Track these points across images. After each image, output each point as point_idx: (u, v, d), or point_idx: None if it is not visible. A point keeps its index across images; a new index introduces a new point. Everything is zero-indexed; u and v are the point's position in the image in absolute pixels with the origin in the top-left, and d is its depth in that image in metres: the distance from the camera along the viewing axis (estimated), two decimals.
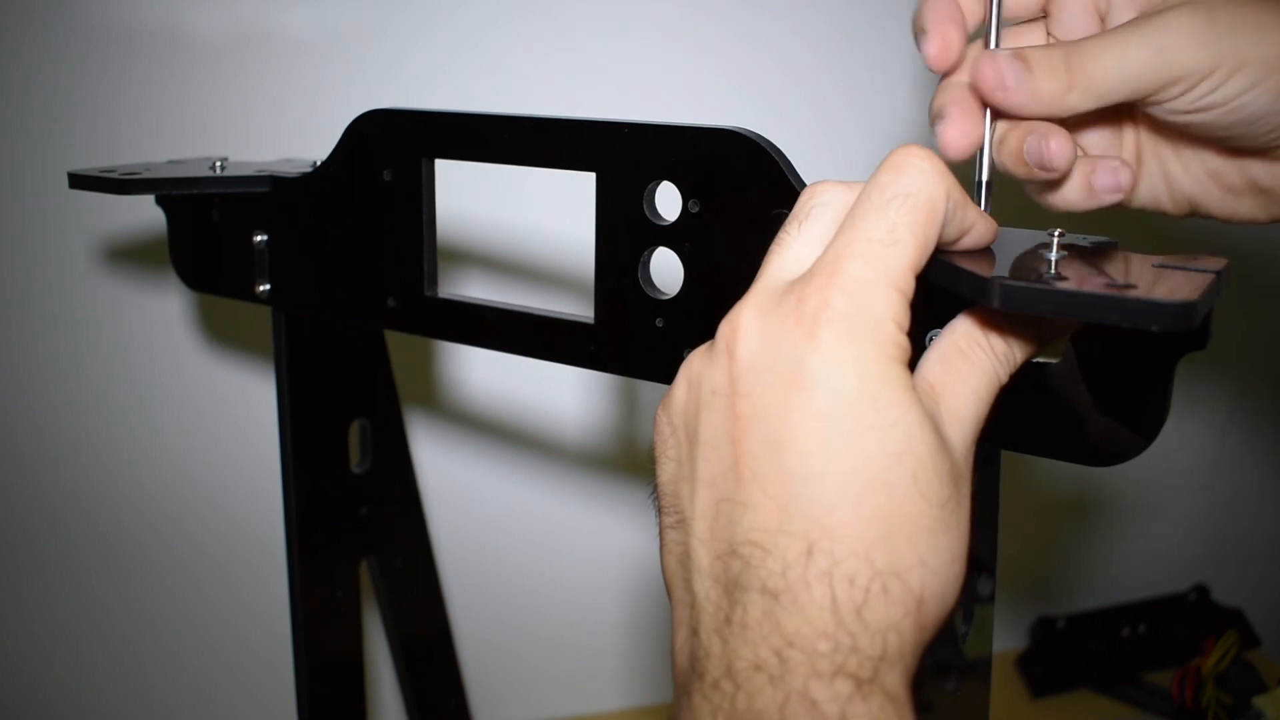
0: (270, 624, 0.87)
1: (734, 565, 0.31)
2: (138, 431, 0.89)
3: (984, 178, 0.40)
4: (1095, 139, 0.43)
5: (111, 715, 0.94)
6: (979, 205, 0.39)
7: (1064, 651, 1.02)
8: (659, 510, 0.35)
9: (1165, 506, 1.11)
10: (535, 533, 0.98)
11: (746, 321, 0.32)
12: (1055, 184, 0.41)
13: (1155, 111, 0.39)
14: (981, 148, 0.40)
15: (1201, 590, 1.08)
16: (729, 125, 0.42)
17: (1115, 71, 0.37)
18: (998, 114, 0.40)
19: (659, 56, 0.87)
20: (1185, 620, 1.06)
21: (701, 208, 0.43)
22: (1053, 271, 0.33)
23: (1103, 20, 0.41)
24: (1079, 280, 0.32)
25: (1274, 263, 1.03)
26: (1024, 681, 1.02)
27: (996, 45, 0.39)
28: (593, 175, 0.46)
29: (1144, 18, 0.38)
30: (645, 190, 0.44)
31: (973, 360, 0.34)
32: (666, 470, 0.35)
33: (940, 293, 0.34)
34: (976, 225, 0.34)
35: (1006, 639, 1.06)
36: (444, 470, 0.92)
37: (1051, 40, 0.43)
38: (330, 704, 0.64)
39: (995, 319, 0.34)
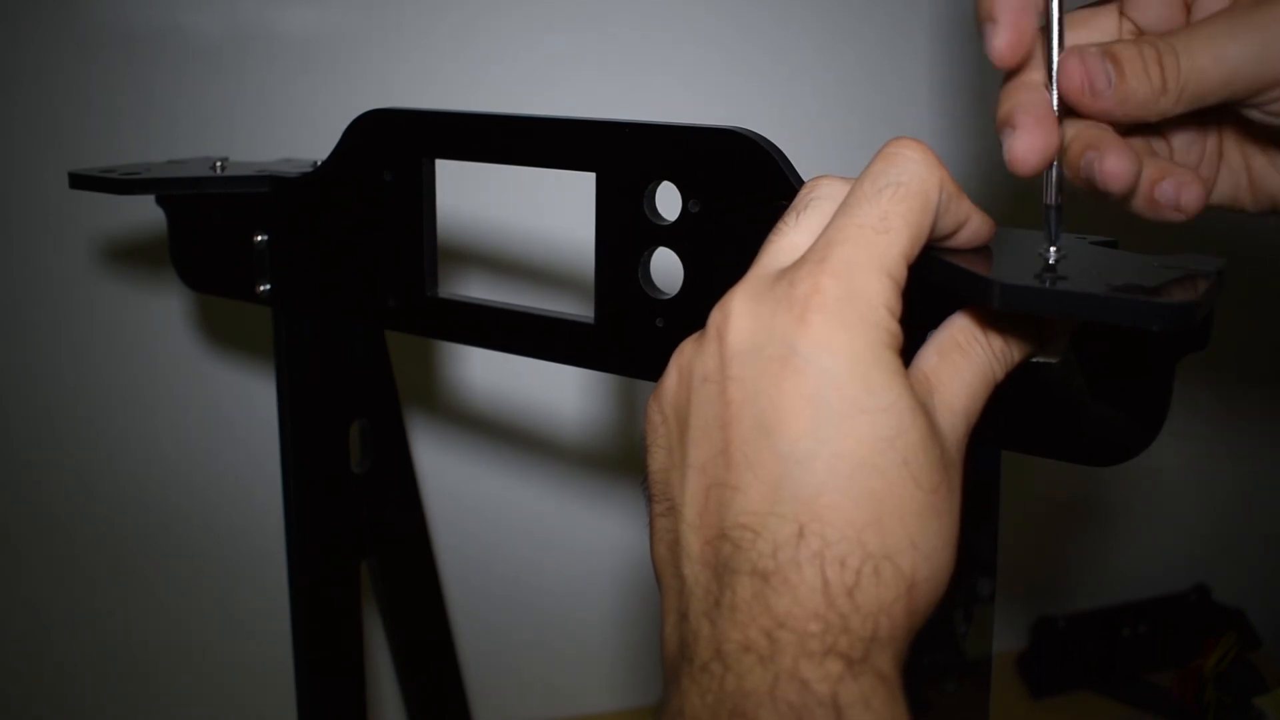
0: (270, 624, 0.87)
1: (724, 548, 0.31)
2: (138, 431, 0.89)
3: (1053, 201, 0.36)
4: (1179, 134, 0.40)
5: (112, 715, 0.94)
6: (1048, 231, 0.36)
7: (1064, 651, 1.02)
8: (649, 499, 0.35)
9: (1165, 506, 1.11)
10: (535, 533, 0.98)
11: (737, 307, 0.32)
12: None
13: (1250, 114, 0.36)
14: (1052, 165, 0.36)
15: (1201, 590, 1.07)
16: (729, 125, 0.42)
17: (1212, 72, 0.34)
18: (1073, 115, 0.35)
19: (661, 56, 0.87)
20: (1185, 620, 1.05)
21: (702, 208, 0.43)
22: (1053, 271, 0.33)
23: (1188, 8, 0.38)
24: (1079, 280, 0.32)
25: (1274, 262, 1.03)
26: (1024, 681, 1.02)
27: (1060, 42, 0.35)
28: (593, 175, 0.46)
29: (1241, 9, 0.35)
30: (645, 190, 0.44)
31: (969, 355, 0.34)
32: (657, 459, 0.35)
33: (939, 292, 0.34)
34: (972, 219, 0.34)
35: (1006, 639, 1.06)
36: (444, 470, 0.92)
37: (1127, 26, 0.39)
38: (330, 704, 0.64)
39: (994, 317, 0.34)
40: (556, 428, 0.94)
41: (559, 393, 0.92)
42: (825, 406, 0.30)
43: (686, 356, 0.34)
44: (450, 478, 0.93)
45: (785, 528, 0.30)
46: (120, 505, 0.90)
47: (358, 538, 0.65)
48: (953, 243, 0.35)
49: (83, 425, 0.88)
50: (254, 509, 0.91)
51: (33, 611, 0.91)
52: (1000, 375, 0.35)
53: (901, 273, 0.32)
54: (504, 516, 0.96)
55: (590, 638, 1.01)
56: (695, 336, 0.34)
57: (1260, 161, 0.40)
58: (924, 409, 0.31)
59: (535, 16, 0.84)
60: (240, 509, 0.91)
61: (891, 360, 0.31)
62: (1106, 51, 0.34)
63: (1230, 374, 1.07)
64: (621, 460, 0.96)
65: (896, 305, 0.31)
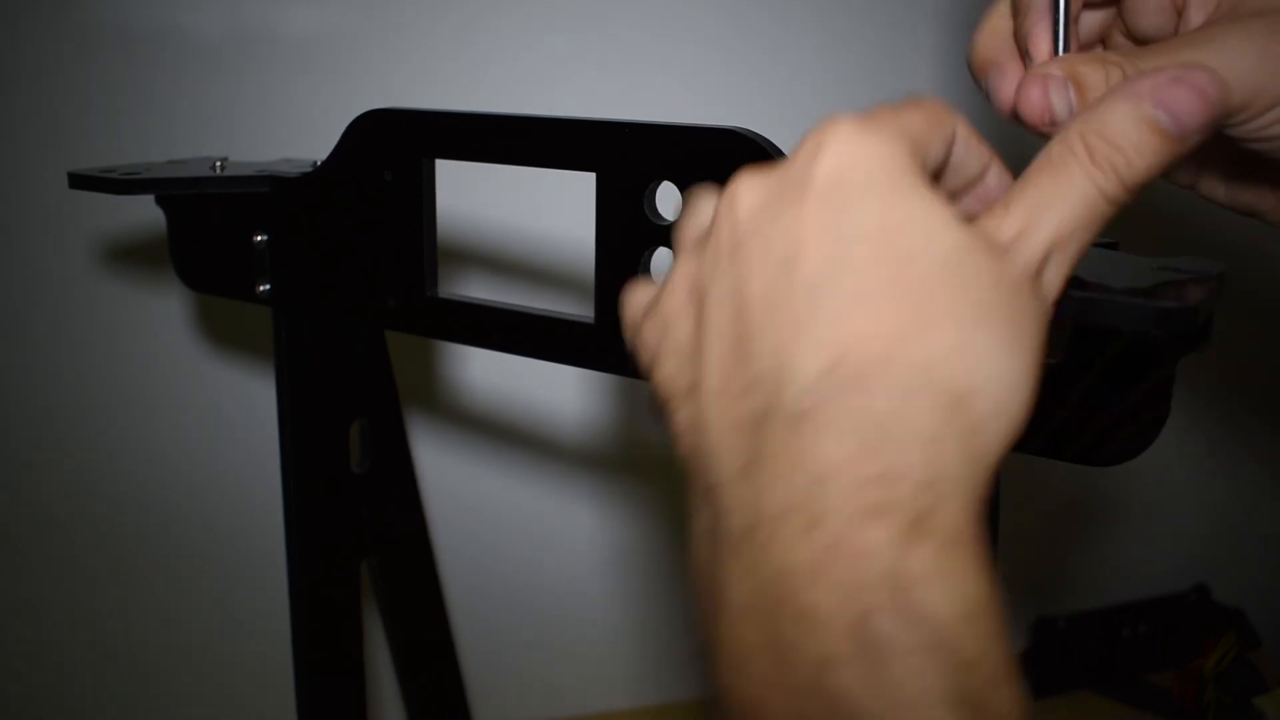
0: (270, 624, 0.87)
1: (755, 399, 0.27)
2: (137, 431, 0.89)
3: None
4: None
5: (111, 715, 0.94)
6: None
7: (1064, 651, 1.02)
8: (661, 410, 0.32)
9: (1165, 506, 1.11)
10: (535, 532, 0.98)
11: (743, 185, 0.30)
12: None
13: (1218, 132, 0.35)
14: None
15: (1201, 590, 1.07)
16: (729, 125, 0.42)
17: None
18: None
19: (661, 56, 0.87)
20: (1185, 620, 1.06)
21: None
22: None
23: (1179, 14, 0.37)
24: (1080, 282, 0.32)
25: (1274, 263, 1.03)
26: (1024, 682, 1.02)
27: (1066, 47, 0.35)
28: (593, 175, 0.46)
29: (1210, 29, 0.34)
30: (646, 190, 0.44)
31: (1061, 171, 0.29)
32: (668, 365, 0.31)
33: None
34: (995, 164, 0.33)
35: None
36: (444, 470, 0.92)
37: (1119, 31, 0.39)
38: (330, 704, 0.64)
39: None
40: (556, 428, 0.94)
41: (559, 393, 0.92)
42: (849, 221, 0.27)
43: (687, 257, 0.32)
44: (450, 478, 0.93)
45: (818, 358, 0.26)
46: (120, 505, 0.90)
47: (358, 538, 0.65)
48: (982, 191, 0.33)
49: (83, 425, 0.88)
50: (254, 509, 0.91)
51: (33, 611, 0.91)
52: (1113, 197, 0.29)
53: (918, 136, 0.29)
54: (504, 516, 0.96)
55: (590, 638, 1.01)
56: (692, 246, 0.32)
57: (1231, 166, 0.40)
58: (963, 220, 0.28)
59: (535, 16, 0.84)
60: (240, 509, 0.91)
61: (917, 170, 0.28)
62: (1071, 75, 0.33)
63: (1230, 374, 1.07)
64: (621, 460, 0.96)
65: (917, 141, 0.29)
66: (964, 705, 0.23)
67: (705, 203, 0.34)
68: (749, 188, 0.30)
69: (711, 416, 0.29)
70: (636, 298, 0.35)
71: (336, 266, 0.54)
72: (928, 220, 0.27)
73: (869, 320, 0.26)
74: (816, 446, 0.26)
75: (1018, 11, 0.38)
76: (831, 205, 0.28)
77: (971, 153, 0.32)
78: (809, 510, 0.25)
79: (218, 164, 0.58)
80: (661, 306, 0.32)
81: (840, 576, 0.24)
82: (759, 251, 0.29)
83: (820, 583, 0.24)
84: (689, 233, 0.34)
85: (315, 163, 0.58)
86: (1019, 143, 0.38)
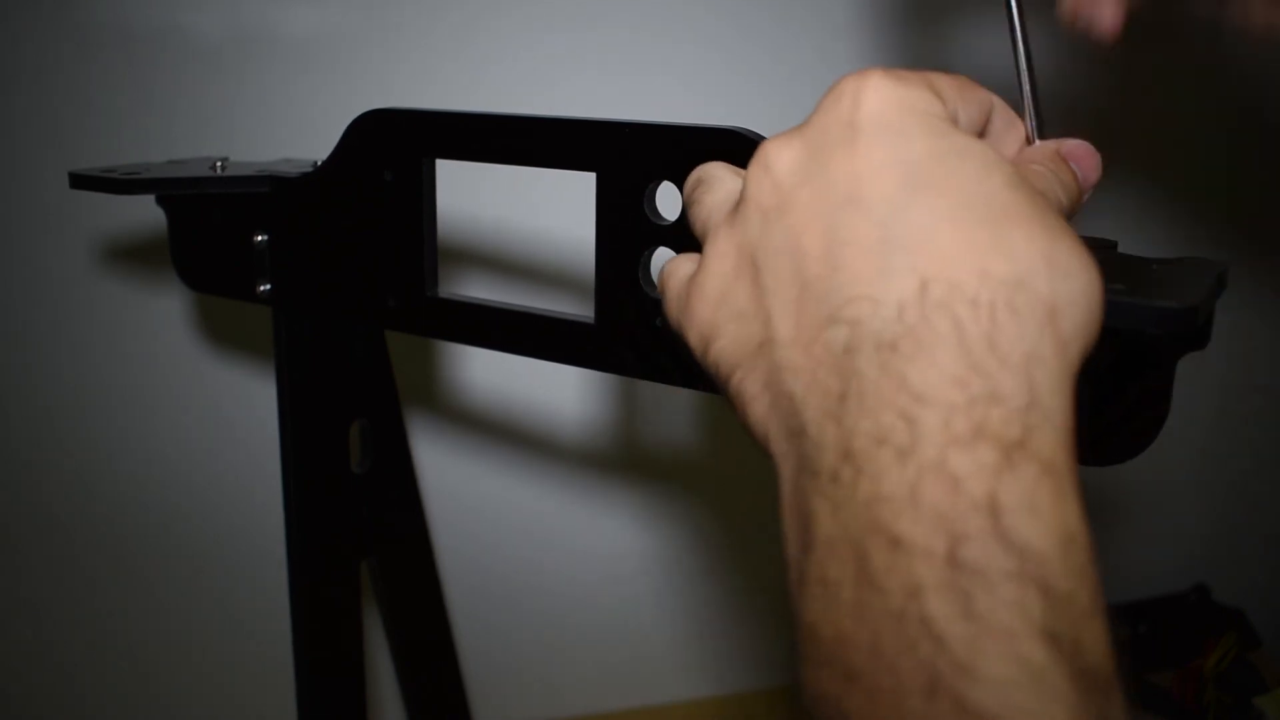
0: (270, 624, 0.87)
1: (839, 334, 0.27)
2: (137, 432, 0.89)
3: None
4: None
5: (111, 715, 0.94)
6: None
7: None
8: (723, 381, 0.32)
9: (1165, 506, 1.11)
10: (535, 532, 0.98)
11: (773, 145, 0.30)
12: None
13: None
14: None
15: (1201, 590, 1.07)
16: (729, 125, 0.42)
17: None
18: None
19: (661, 56, 0.87)
20: (1185, 620, 1.06)
21: None
22: None
23: None
24: None
25: (1274, 262, 1.02)
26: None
27: (1027, 59, 0.37)
28: (593, 175, 0.46)
29: None
30: (646, 190, 0.44)
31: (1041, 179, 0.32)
32: (728, 331, 0.31)
33: None
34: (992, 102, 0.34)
35: None
36: (444, 470, 0.92)
37: None
38: (330, 704, 0.64)
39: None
40: (556, 428, 0.94)
41: (559, 393, 0.92)
42: (909, 155, 0.28)
43: (731, 236, 0.32)
44: (450, 478, 0.93)
45: (905, 283, 0.26)
46: (120, 505, 0.90)
47: (358, 538, 0.65)
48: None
49: (83, 425, 0.88)
50: (254, 509, 0.91)
51: (33, 611, 0.91)
52: (1066, 209, 0.33)
53: (944, 92, 0.30)
54: (504, 516, 0.96)
55: (590, 638, 1.01)
56: (725, 220, 0.32)
57: None
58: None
59: (535, 16, 0.84)
60: (240, 509, 0.91)
61: (949, 118, 0.30)
62: None
63: (1230, 374, 1.07)
64: (621, 460, 0.96)
65: (944, 96, 0.30)
66: (1055, 639, 0.22)
67: (724, 182, 0.35)
68: (781, 148, 0.30)
69: (792, 359, 0.28)
70: (678, 275, 0.35)
71: (336, 266, 0.54)
72: (980, 149, 0.28)
73: (952, 241, 0.26)
74: (911, 372, 0.25)
75: None
76: (885, 142, 0.28)
77: (1011, 129, 0.34)
78: (902, 438, 0.24)
79: (218, 164, 0.58)
80: (709, 279, 0.32)
81: (933, 503, 0.24)
82: (812, 200, 0.29)
83: (912, 510, 0.24)
84: (716, 210, 0.34)
85: (315, 163, 0.58)
86: None
